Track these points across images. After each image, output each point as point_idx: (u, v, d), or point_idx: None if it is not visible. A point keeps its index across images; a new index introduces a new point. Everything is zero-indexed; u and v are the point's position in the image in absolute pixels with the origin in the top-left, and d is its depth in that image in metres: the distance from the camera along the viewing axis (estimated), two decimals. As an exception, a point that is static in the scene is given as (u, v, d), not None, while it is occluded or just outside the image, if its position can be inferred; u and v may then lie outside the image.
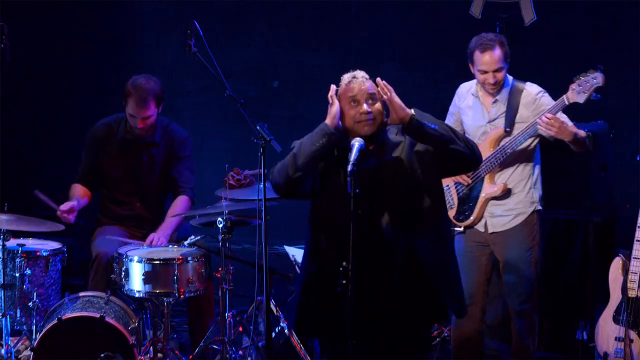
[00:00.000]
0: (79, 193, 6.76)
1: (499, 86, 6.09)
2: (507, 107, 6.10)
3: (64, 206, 6.54)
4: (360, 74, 4.95)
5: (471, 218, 6.19)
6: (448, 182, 6.25)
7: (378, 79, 4.89)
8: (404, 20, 8.92)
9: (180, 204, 6.73)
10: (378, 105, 4.90)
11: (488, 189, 6.16)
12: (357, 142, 4.81)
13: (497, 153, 6.10)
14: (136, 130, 6.71)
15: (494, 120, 6.14)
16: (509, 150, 6.08)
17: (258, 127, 5.64)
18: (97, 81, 9.13)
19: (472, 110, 6.21)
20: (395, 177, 4.91)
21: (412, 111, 4.84)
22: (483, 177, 6.17)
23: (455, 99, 6.31)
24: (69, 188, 6.83)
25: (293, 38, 9.19)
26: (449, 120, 6.32)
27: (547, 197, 6.84)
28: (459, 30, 8.16)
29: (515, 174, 6.16)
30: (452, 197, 6.26)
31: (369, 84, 4.92)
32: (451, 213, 6.23)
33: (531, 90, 6.13)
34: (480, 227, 6.22)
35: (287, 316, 5.03)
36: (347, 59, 9.09)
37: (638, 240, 6.09)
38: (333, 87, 4.92)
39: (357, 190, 4.69)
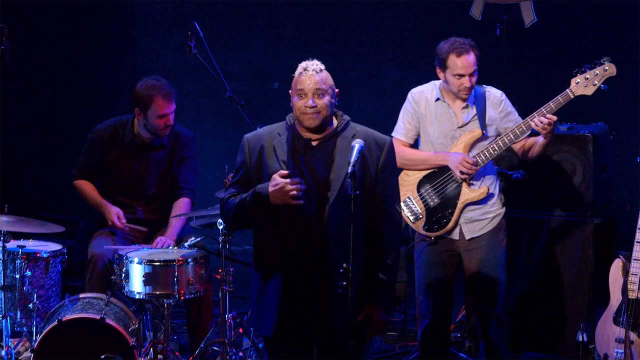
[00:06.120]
0: (95, 191, 6.78)
1: (472, 90, 6.02)
2: (477, 111, 6.01)
3: (117, 219, 6.62)
4: (312, 67, 4.84)
5: (448, 225, 6.02)
6: (409, 194, 6.06)
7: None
8: (404, 21, 8.93)
9: (181, 207, 6.71)
10: (325, 100, 4.82)
11: (469, 194, 6.00)
12: (357, 144, 4.79)
13: (482, 156, 5.98)
14: (161, 131, 6.65)
15: (465, 125, 6.02)
16: (495, 153, 5.96)
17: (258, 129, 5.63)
18: (96, 82, 9.13)
19: (439, 116, 6.05)
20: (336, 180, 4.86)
21: None
22: (461, 182, 6.02)
23: (414, 106, 6.09)
24: (70, 188, 6.81)
25: (293, 38, 9.19)
26: (405, 125, 6.10)
27: (547, 198, 6.85)
28: (459, 31, 8.15)
29: (487, 177, 6.06)
30: (417, 209, 6.05)
31: (319, 77, 4.82)
32: (419, 224, 6.04)
33: (494, 92, 6.08)
34: (455, 234, 6.07)
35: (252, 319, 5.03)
36: (347, 59, 9.10)
37: (638, 242, 6.08)
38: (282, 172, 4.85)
39: (357, 192, 4.68)
